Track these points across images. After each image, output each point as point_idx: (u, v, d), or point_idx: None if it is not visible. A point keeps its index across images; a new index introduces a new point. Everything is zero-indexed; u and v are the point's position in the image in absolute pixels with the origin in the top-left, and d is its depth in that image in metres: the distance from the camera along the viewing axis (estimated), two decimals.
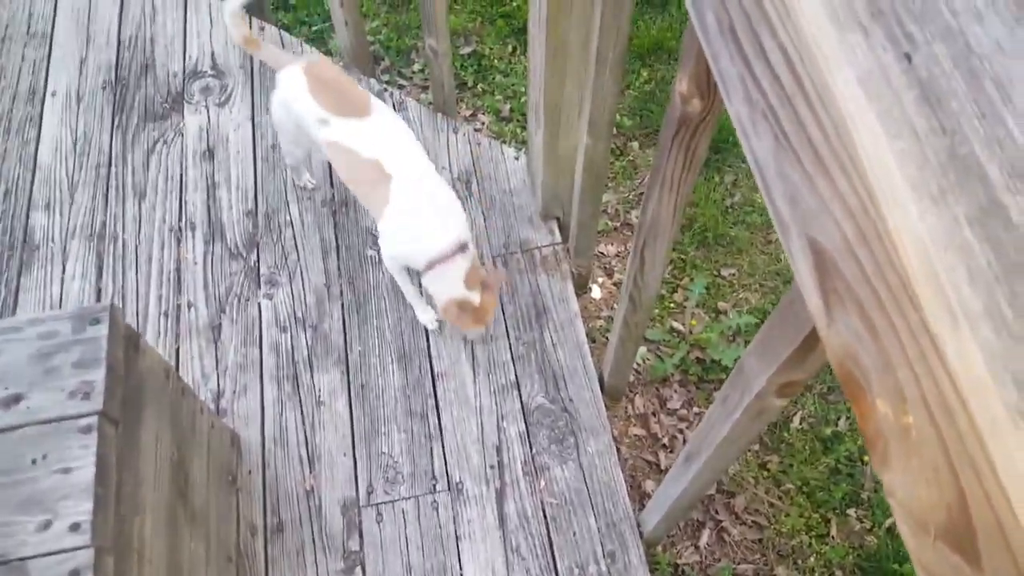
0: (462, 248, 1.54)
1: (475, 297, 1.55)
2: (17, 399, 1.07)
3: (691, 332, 2.04)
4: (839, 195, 0.45)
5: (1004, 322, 0.33)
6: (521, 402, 1.69)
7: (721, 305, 2.09)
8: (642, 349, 1.99)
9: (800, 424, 1.92)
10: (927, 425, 0.39)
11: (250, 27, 2.12)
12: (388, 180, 1.51)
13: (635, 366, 1.96)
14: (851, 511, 1.80)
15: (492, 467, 1.62)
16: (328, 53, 2.37)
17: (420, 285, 1.70)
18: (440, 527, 1.56)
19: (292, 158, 1.84)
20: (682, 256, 2.14)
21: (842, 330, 0.47)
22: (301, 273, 1.84)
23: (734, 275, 2.13)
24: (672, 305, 2.08)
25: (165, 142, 2.03)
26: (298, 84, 1.57)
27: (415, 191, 1.53)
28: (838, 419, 1.91)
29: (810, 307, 0.51)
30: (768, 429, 1.91)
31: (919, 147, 0.37)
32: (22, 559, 0.96)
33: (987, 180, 0.35)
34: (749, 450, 1.88)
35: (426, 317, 1.77)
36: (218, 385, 1.70)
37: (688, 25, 0.72)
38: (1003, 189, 0.34)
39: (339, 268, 1.85)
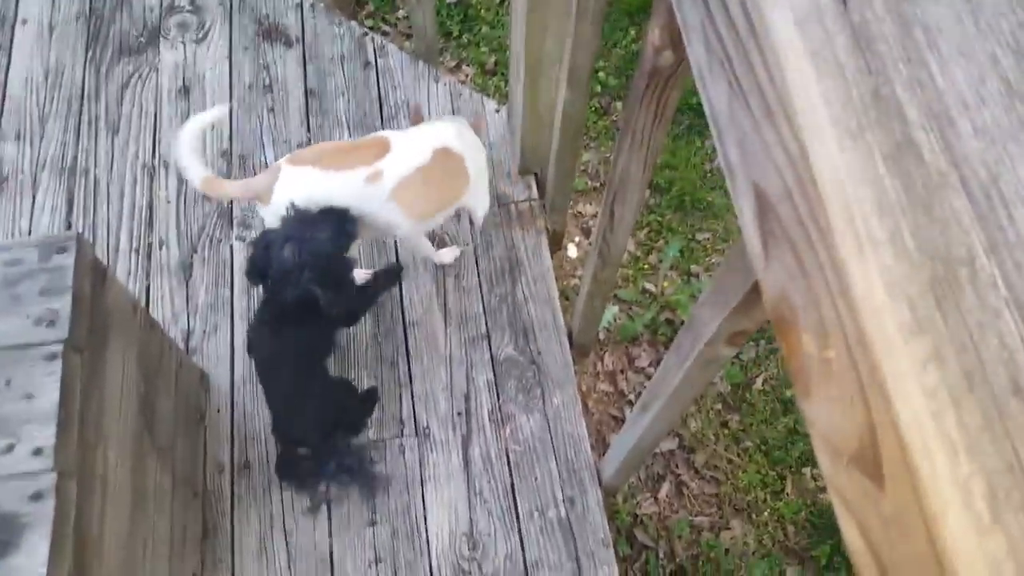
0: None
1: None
2: None
3: (663, 293, 2.07)
4: (781, 141, 0.46)
5: (905, 250, 0.35)
6: (491, 353, 1.72)
7: (694, 268, 2.12)
8: (614, 309, 2.02)
9: (762, 386, 1.97)
10: (844, 356, 0.41)
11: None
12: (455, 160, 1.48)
13: (606, 326, 1.99)
14: (806, 470, 1.87)
15: (459, 414, 1.65)
16: None
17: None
18: (406, 468, 1.59)
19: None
20: (659, 219, 2.16)
21: (777, 271, 0.49)
22: None
23: (708, 239, 2.15)
24: (646, 267, 2.11)
25: (140, 77, 1.99)
26: (307, 174, 1.33)
27: (458, 152, 1.48)
28: None
29: (750, 251, 0.53)
30: (731, 389, 1.96)
31: (845, 86, 0.39)
32: None
33: (904, 119, 0.36)
34: (711, 409, 1.93)
35: (449, 254, 1.78)
36: (188, 325, 1.70)
37: None
38: (918, 128, 0.36)
39: None
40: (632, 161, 1.09)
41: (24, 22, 2.06)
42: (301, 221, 1.31)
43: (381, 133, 1.46)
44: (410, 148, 1.41)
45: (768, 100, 0.47)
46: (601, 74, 2.34)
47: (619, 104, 2.33)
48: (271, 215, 1.34)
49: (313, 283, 1.28)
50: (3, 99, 1.95)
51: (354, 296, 1.48)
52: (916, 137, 0.37)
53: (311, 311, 1.32)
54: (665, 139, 1.05)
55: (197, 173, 1.34)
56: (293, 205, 1.31)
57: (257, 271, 1.34)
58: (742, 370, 1.96)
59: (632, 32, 2.41)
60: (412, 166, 1.39)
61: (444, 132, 1.48)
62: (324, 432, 1.44)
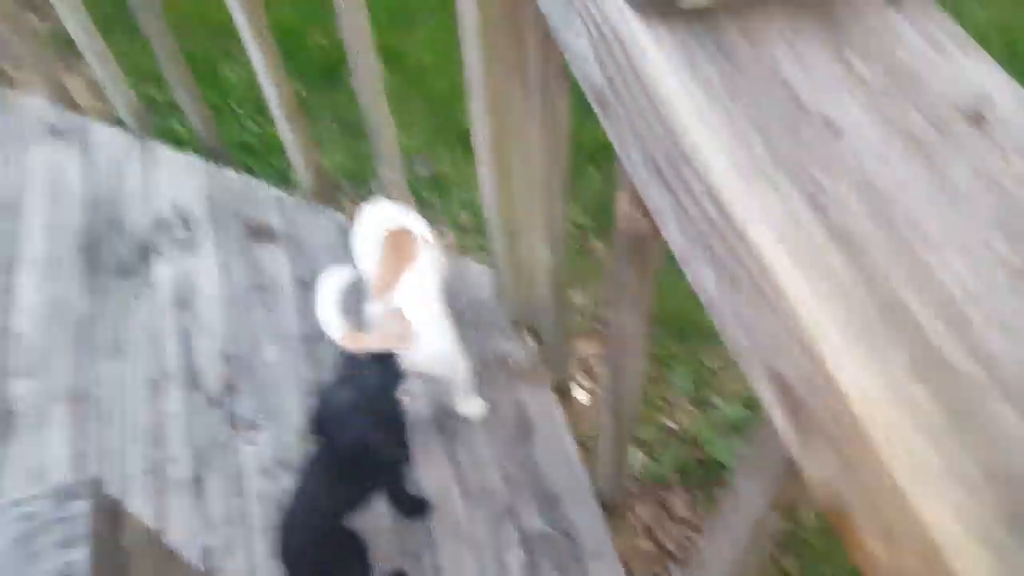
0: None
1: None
2: None
3: (684, 429, 2.01)
4: (790, 333, 0.44)
5: (963, 477, 0.33)
6: (519, 530, 1.64)
7: (711, 398, 2.07)
8: (637, 453, 1.95)
9: (816, 521, 1.85)
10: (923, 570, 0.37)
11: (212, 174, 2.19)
12: None
13: (632, 473, 1.91)
14: None
15: None
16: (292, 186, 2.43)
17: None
18: None
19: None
20: (662, 350, 2.15)
21: (819, 464, 0.45)
22: (283, 414, 1.82)
23: (718, 365, 2.12)
24: (660, 402, 2.07)
25: (137, 296, 2.05)
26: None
27: None
28: None
29: (782, 436, 0.49)
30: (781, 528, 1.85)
31: (845, 300, 0.38)
32: None
33: (918, 326, 0.35)
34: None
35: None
36: (205, 543, 1.64)
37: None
38: (934, 332, 0.35)
39: None
40: (627, 316, 1.11)
41: (26, 262, 2.14)
42: (352, 366, 1.36)
43: None
44: None
45: (763, 290, 0.45)
46: (574, 216, 2.43)
47: (599, 244, 2.40)
48: (423, 358, 1.45)
49: (369, 427, 1.32)
50: (9, 338, 1.99)
51: (404, 442, 1.49)
52: (935, 343, 0.36)
53: (363, 462, 1.36)
54: (654, 293, 1.07)
55: (337, 329, 1.39)
56: (342, 352, 1.38)
57: (318, 423, 1.36)
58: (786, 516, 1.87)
59: (596, 173, 2.52)
60: None
61: None
62: None
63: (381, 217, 1.61)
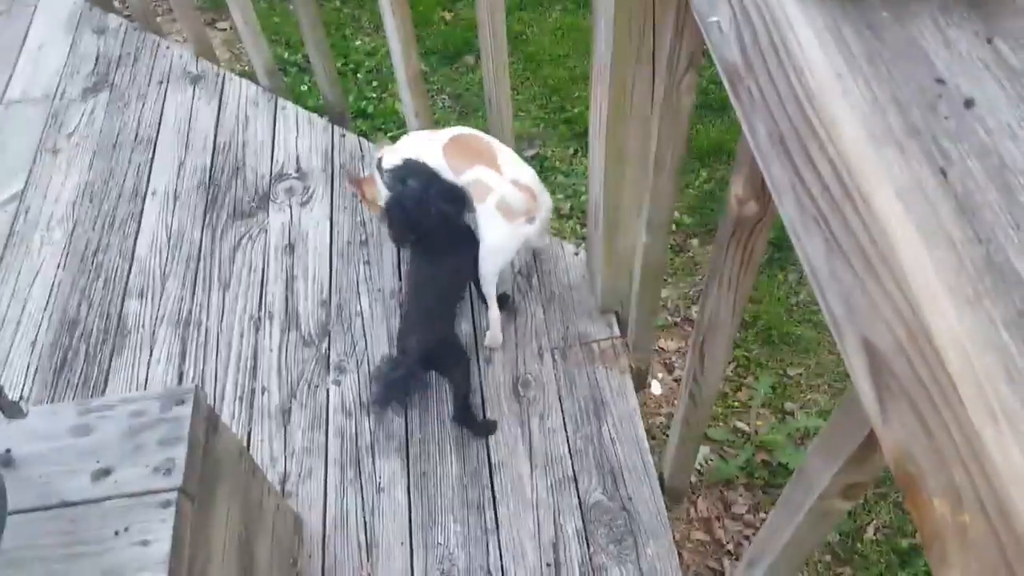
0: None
1: None
2: (107, 472, 1.14)
3: (756, 433, 1.99)
4: (889, 297, 0.46)
5: None
6: (579, 498, 1.68)
7: (788, 406, 2.05)
8: (705, 449, 1.95)
9: (875, 535, 1.82)
10: (983, 524, 0.39)
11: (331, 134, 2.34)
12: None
13: (698, 467, 1.92)
14: None
15: (548, 565, 1.60)
16: None
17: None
18: None
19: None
20: (746, 354, 2.13)
21: (897, 429, 0.48)
22: (368, 361, 1.91)
23: (801, 375, 2.09)
24: (736, 404, 2.06)
25: (250, 237, 2.18)
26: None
27: None
28: (915, 531, 1.81)
29: (866, 406, 0.52)
30: (840, 539, 1.82)
31: (955, 255, 0.40)
32: None
33: (1023, 285, 0.37)
34: (820, 561, 1.80)
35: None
36: (285, 468, 1.75)
37: (741, 132, 0.78)
38: None
39: None
40: (721, 305, 1.11)
41: (154, 193, 2.32)
42: (408, 168, 1.77)
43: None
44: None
45: (871, 260, 0.48)
46: (676, 213, 2.42)
47: (695, 241, 2.38)
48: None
49: (439, 200, 1.70)
50: (132, 260, 2.17)
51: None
52: None
53: (449, 243, 1.76)
54: (754, 281, 1.07)
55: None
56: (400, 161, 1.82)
57: (397, 224, 1.77)
58: (851, 517, 1.84)
59: (704, 173, 2.50)
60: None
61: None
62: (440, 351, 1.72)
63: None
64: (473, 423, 1.78)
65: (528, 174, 1.81)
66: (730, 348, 1.20)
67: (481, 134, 1.90)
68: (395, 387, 1.65)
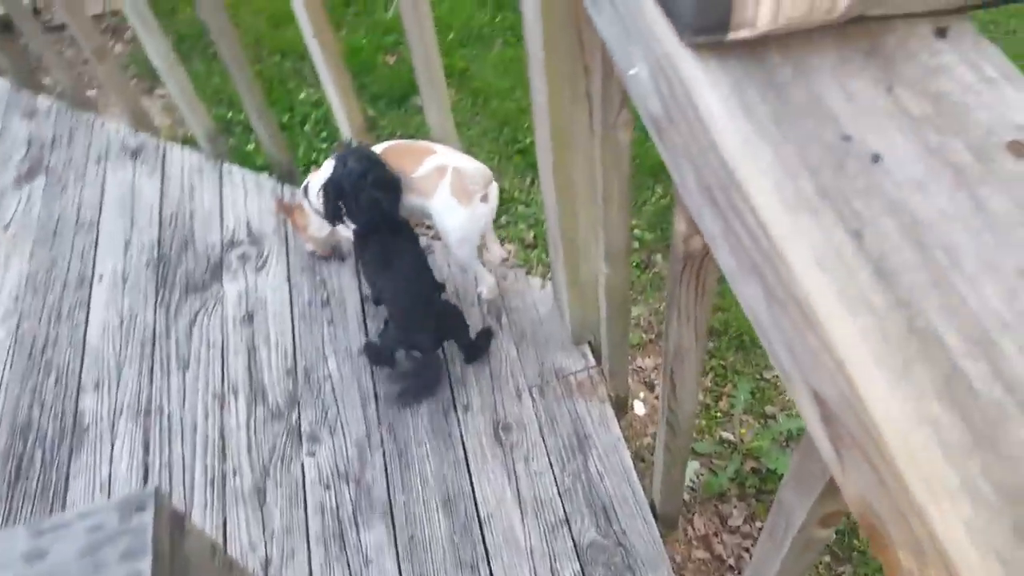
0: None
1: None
2: None
3: (742, 441, 1.97)
4: (828, 352, 0.45)
5: (981, 496, 0.33)
6: (573, 540, 1.63)
7: (769, 409, 2.03)
8: (694, 464, 1.93)
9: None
10: None
11: (281, 192, 2.30)
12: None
13: (689, 483, 1.89)
14: None
15: None
16: None
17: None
18: None
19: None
20: (722, 363, 2.11)
21: (855, 478, 0.46)
22: (342, 426, 1.85)
23: (777, 376, 2.08)
24: (719, 414, 2.03)
25: (206, 311, 2.12)
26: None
27: None
28: None
29: (823, 454, 0.50)
30: (837, 538, 1.80)
31: (878, 323, 0.38)
32: None
33: (947, 349, 0.35)
34: (820, 563, 1.77)
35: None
36: (266, 552, 1.68)
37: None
38: (963, 356, 0.35)
39: (378, 416, 1.86)
40: (683, 334, 1.09)
41: (101, 277, 2.25)
42: (352, 152, 1.74)
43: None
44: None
45: (808, 321, 0.46)
46: (636, 231, 2.40)
47: (659, 256, 2.36)
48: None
49: (374, 187, 1.67)
50: (83, 352, 2.09)
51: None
52: (963, 366, 0.36)
53: (405, 237, 1.81)
54: (711, 309, 1.05)
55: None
56: (346, 144, 1.80)
57: (331, 203, 1.73)
58: (848, 515, 1.81)
59: (659, 189, 2.50)
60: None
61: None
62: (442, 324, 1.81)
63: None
64: (481, 351, 1.92)
65: (469, 158, 1.84)
66: (699, 371, 1.18)
67: (416, 140, 1.93)
68: (431, 385, 1.84)
